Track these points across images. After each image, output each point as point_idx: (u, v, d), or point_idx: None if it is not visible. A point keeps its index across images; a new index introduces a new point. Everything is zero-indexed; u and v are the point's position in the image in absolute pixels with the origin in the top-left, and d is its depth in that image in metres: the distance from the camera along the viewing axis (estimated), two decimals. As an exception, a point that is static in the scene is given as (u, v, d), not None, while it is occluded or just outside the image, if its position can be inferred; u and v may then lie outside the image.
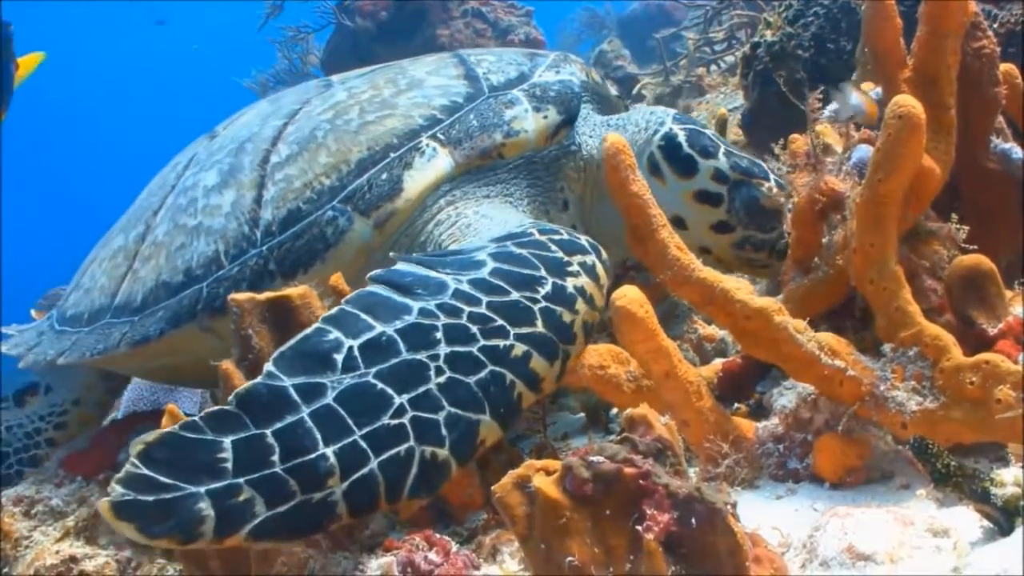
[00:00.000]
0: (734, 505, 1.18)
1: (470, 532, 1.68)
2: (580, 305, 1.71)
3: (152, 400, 3.72)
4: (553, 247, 1.84)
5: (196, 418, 1.39)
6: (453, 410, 1.50)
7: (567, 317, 1.68)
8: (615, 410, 2.03)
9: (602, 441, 1.25)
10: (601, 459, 1.15)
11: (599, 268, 1.83)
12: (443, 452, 1.46)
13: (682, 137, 2.38)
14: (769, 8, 3.97)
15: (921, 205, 1.79)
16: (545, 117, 2.32)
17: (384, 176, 2.21)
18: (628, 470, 1.14)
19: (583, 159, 2.44)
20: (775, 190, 2.17)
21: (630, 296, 1.57)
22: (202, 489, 1.29)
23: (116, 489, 1.26)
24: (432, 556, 1.47)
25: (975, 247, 1.76)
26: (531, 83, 2.39)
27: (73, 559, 2.11)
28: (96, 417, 3.02)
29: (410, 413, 1.47)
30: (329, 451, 1.39)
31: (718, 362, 2.13)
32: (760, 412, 1.92)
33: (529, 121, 2.30)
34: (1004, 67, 1.96)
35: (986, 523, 1.31)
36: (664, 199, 2.06)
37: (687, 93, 5.72)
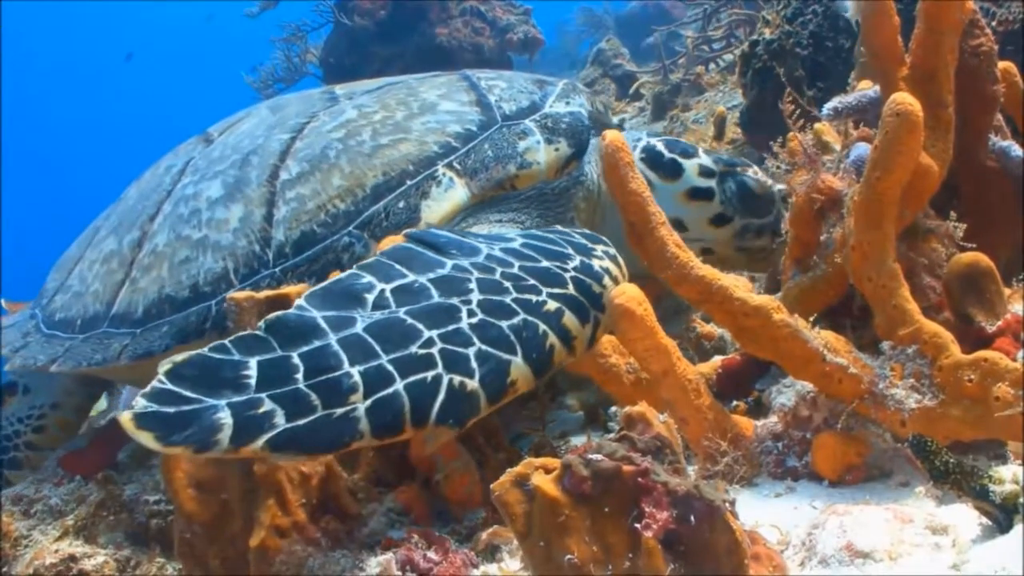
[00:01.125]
0: (733, 503, 1.18)
1: (469, 530, 1.68)
2: (608, 281, 1.75)
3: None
4: (577, 236, 1.90)
5: (225, 341, 1.40)
6: (484, 347, 1.50)
7: (596, 288, 1.71)
8: (614, 408, 2.03)
9: (601, 439, 1.25)
10: (600, 457, 1.15)
11: (620, 259, 1.87)
12: (472, 383, 1.45)
13: (661, 146, 2.49)
14: (767, 6, 3.97)
15: (919, 203, 1.79)
16: (556, 149, 2.34)
17: (401, 204, 2.22)
18: (627, 468, 1.14)
19: (590, 189, 2.47)
20: (760, 174, 2.21)
21: (629, 294, 1.57)
22: (223, 402, 1.29)
23: (140, 402, 1.26)
24: (431, 554, 1.47)
25: (973, 245, 1.77)
26: (543, 113, 2.42)
27: (72, 558, 2.10)
28: (76, 422, 2.95)
29: (439, 345, 1.47)
30: (354, 370, 1.39)
31: (717, 360, 2.13)
32: (759, 410, 1.92)
33: (541, 153, 2.32)
34: (1002, 65, 1.96)
35: (985, 520, 1.31)
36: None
37: (686, 91, 5.72)
